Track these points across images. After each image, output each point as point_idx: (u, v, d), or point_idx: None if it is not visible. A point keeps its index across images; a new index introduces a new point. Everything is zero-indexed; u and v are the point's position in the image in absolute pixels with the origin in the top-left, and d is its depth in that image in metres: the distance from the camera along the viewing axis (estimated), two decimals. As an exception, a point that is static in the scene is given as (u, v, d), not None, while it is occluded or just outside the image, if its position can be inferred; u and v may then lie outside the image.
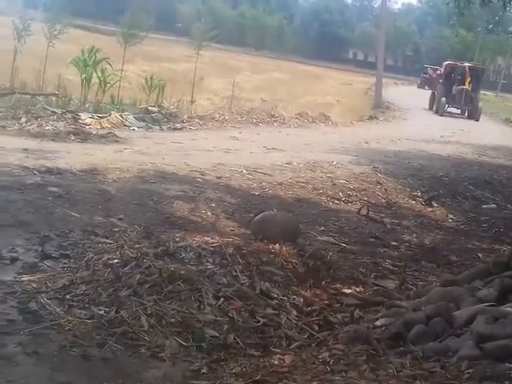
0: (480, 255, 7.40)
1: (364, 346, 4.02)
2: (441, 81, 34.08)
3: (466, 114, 32.23)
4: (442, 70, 35.67)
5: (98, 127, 14.02)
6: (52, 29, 17.63)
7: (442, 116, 30.31)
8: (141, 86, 18.20)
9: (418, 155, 15.03)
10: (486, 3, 16.77)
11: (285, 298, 4.96)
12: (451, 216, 9.90)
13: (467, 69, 33.38)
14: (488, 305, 4.15)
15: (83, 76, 16.79)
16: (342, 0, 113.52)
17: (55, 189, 7.65)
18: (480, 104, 32.62)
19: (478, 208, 10.70)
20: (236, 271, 5.07)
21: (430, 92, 36.56)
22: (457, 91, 31.86)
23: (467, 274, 5.13)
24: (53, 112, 14.59)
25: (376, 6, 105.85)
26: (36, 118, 13.84)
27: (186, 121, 16.80)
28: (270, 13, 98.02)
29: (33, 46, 17.75)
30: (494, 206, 10.99)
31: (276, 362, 4.06)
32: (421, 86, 58.66)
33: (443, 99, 31.75)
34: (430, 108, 33.54)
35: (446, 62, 35.79)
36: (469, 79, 32.60)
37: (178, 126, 16.18)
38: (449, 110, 32.16)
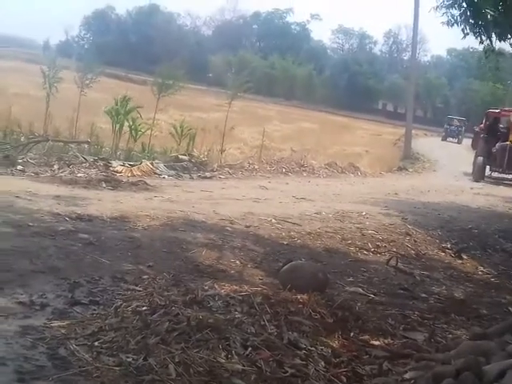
0: (510, 309, 7.30)
1: (393, 399, 3.98)
2: (481, 136, 26.95)
3: None
4: (484, 121, 28.00)
5: (129, 175, 14.18)
6: (84, 78, 17.97)
7: (478, 182, 23.86)
8: (172, 135, 18.41)
9: (448, 207, 14.97)
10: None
11: (313, 348, 4.92)
12: (481, 268, 9.80)
13: None
14: (519, 359, 4.09)
15: (115, 124, 17.03)
16: (372, 52, 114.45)
17: (86, 235, 7.73)
18: None
19: (509, 261, 10.58)
20: (264, 320, 5.06)
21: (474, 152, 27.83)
22: (498, 149, 24.75)
23: (497, 327, 5.08)
24: (85, 159, 14.78)
25: (406, 58, 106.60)
26: (68, 166, 14.04)
27: (216, 169, 16.93)
28: (300, 64, 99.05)
29: (66, 94, 18.09)
30: (524, 259, 10.86)
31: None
32: (444, 139, 57.64)
33: (480, 160, 25.15)
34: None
35: (488, 111, 28.70)
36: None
37: (208, 174, 16.31)
38: (493, 174, 25.45)
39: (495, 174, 25.56)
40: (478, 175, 24.77)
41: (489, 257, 10.64)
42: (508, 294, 8.23)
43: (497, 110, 28.01)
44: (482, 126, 28.45)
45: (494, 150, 24.94)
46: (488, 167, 25.36)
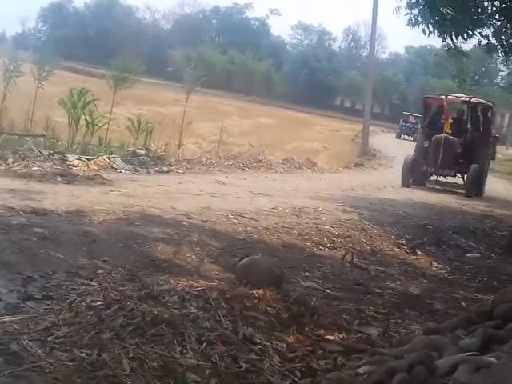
0: (463, 304, 7.40)
1: (346, 394, 4.01)
2: (423, 130, 22.20)
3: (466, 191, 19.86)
4: (423, 111, 23.00)
5: (85, 169, 14.07)
6: (41, 70, 17.73)
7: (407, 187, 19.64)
8: (129, 129, 18.29)
9: (403, 203, 15.11)
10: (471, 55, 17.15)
11: (268, 343, 4.93)
12: (435, 264, 9.92)
13: (452, 104, 22.55)
14: (470, 354, 4.15)
15: (72, 118, 16.86)
16: (331, 49, 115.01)
17: (40, 230, 7.63)
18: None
19: (462, 257, 10.73)
20: (219, 316, 5.06)
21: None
22: (432, 144, 20.06)
23: (450, 322, 5.13)
24: (40, 153, 14.62)
25: (364, 54, 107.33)
26: (23, 159, 13.87)
27: (174, 164, 16.89)
28: (259, 60, 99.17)
29: (22, 87, 17.84)
30: (477, 255, 11.02)
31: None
32: (399, 136, 56.10)
33: (408, 159, 20.42)
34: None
35: (426, 97, 23.90)
36: (454, 121, 21.48)
37: (165, 169, 16.27)
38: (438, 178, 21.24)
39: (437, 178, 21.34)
40: (405, 179, 19.94)
41: (443, 252, 10.77)
42: (461, 290, 8.34)
43: (440, 96, 22.64)
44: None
45: (425, 144, 20.60)
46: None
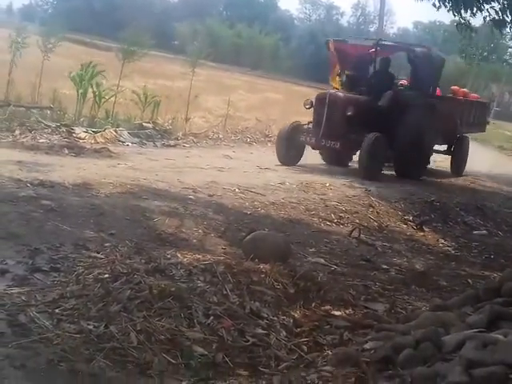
0: (470, 281, 7.40)
1: (353, 369, 4.01)
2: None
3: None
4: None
5: (92, 142, 14.03)
6: (47, 42, 17.63)
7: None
8: (135, 102, 18.21)
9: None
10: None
11: (275, 318, 4.94)
12: (442, 241, 9.91)
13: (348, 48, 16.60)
14: (477, 331, 4.15)
15: (79, 90, 16.80)
16: (339, 23, 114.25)
17: (47, 202, 7.64)
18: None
19: (469, 234, 10.71)
20: (226, 290, 5.06)
21: None
22: (315, 103, 14.76)
23: (457, 299, 5.13)
24: (47, 125, 14.58)
25: (372, 30, 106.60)
26: (30, 131, 13.83)
27: (180, 138, 16.84)
28: (267, 34, 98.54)
29: (29, 59, 17.74)
30: (484, 232, 11.01)
31: (264, 382, 4.05)
32: None
33: (284, 129, 15.22)
34: None
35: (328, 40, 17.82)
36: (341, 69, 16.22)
37: (172, 143, 16.23)
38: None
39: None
40: (281, 153, 14.84)
41: (450, 229, 10.76)
42: (468, 267, 8.35)
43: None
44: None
45: (305, 105, 15.04)
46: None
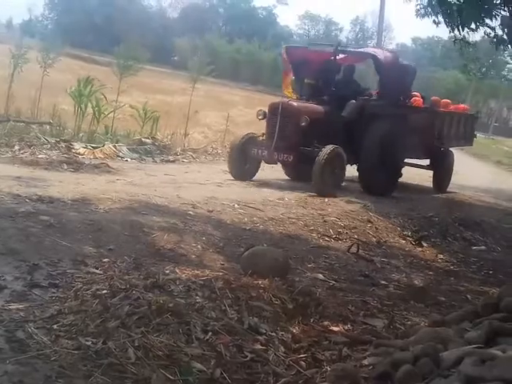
0: (469, 296, 7.39)
1: (351, 385, 4.01)
2: None
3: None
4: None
5: (91, 157, 14.07)
6: (46, 57, 17.70)
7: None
8: (134, 118, 18.26)
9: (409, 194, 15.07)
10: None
11: (273, 333, 4.94)
12: (441, 256, 9.91)
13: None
14: (476, 347, 4.14)
15: (78, 106, 16.85)
16: (338, 39, 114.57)
17: (46, 217, 7.62)
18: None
19: (468, 249, 10.71)
20: (225, 305, 5.06)
21: None
22: (268, 113, 13.79)
23: (456, 315, 5.13)
24: (46, 141, 14.62)
25: (371, 45, 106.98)
26: (29, 147, 13.88)
27: (179, 153, 16.89)
28: (266, 49, 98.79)
29: (28, 74, 17.82)
30: (483, 247, 11.00)
31: (262, 399, 4.04)
32: None
33: (237, 141, 14.21)
34: None
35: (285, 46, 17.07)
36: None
37: (171, 158, 16.27)
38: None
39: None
40: (233, 167, 13.90)
41: (448, 245, 10.75)
42: (466, 282, 8.34)
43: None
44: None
45: (258, 116, 14.16)
46: None
